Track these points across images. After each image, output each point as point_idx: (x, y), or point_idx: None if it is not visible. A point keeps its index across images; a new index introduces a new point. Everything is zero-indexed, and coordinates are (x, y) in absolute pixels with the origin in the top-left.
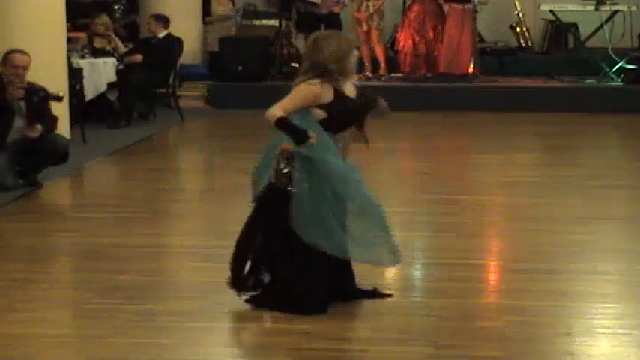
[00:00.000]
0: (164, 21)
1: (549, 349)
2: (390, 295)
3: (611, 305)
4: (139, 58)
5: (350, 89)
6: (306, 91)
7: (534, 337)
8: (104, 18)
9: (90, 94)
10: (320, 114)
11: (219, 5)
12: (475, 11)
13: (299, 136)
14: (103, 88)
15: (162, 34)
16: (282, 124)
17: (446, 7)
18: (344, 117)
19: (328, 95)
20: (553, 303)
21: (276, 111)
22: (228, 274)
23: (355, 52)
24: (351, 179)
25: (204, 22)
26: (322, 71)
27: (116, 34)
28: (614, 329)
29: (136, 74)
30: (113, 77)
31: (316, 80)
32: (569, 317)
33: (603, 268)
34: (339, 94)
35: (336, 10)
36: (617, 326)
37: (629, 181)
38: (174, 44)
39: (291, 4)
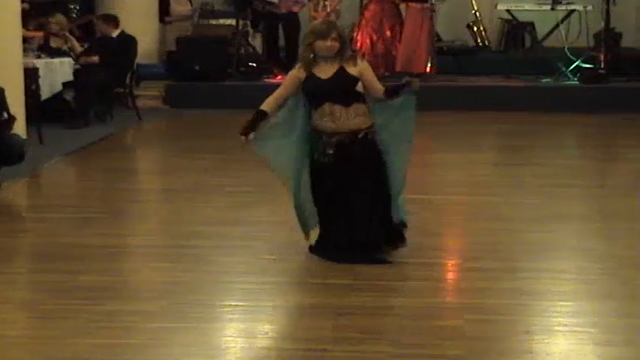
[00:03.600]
0: (113, 20)
1: (509, 347)
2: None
3: (568, 303)
4: (95, 59)
5: (326, 70)
6: (287, 76)
7: (494, 336)
8: (59, 17)
9: (46, 93)
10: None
11: (179, 5)
12: (432, 10)
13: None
14: (59, 87)
15: (115, 33)
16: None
17: (402, 7)
18: (314, 95)
19: (303, 76)
20: (512, 301)
21: (266, 102)
22: None
23: (333, 33)
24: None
25: (164, 22)
26: (301, 50)
27: (71, 34)
28: (571, 327)
29: (93, 74)
30: (69, 77)
31: (298, 65)
32: (528, 316)
33: (561, 266)
34: (309, 75)
35: (295, 9)
36: (575, 324)
37: (586, 180)
38: (129, 42)
39: (247, 4)
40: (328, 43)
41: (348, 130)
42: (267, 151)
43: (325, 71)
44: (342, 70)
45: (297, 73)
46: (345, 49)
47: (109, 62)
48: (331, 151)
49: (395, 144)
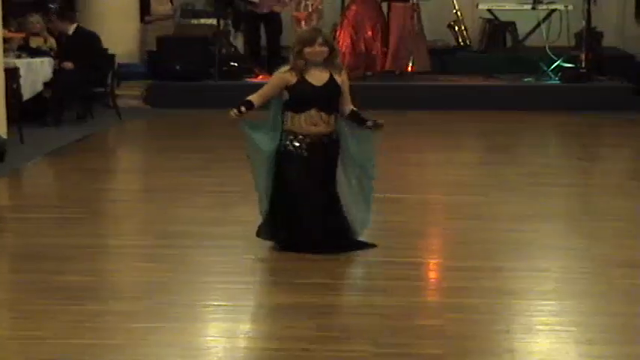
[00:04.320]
0: (68, 16)
1: (489, 347)
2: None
3: (549, 302)
4: (69, 65)
5: (318, 77)
6: (276, 77)
7: (475, 335)
8: (37, 17)
9: (27, 94)
10: (286, 95)
11: (159, 4)
12: (414, 10)
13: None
14: (40, 87)
15: (70, 29)
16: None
17: (384, 6)
18: (303, 99)
19: (292, 79)
20: (493, 300)
21: (253, 96)
22: None
23: (319, 39)
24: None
25: (145, 22)
26: (292, 58)
27: (51, 33)
28: (552, 326)
29: (64, 74)
30: (50, 76)
31: (286, 67)
32: (509, 314)
33: (543, 265)
34: (301, 78)
35: (277, 9)
36: (556, 323)
37: (567, 179)
38: (86, 37)
39: (228, 3)
40: (317, 48)
41: (328, 132)
42: (250, 137)
43: (317, 78)
44: (332, 79)
45: (287, 75)
46: (335, 55)
47: (75, 61)
48: (305, 148)
49: (355, 171)
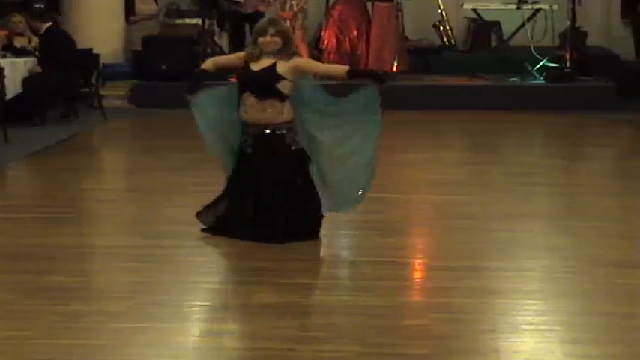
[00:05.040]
0: (39, 15)
1: (475, 346)
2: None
3: (535, 302)
4: (37, 69)
5: (262, 63)
6: (236, 54)
7: (460, 335)
8: (19, 17)
9: (10, 93)
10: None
11: (144, 4)
12: (398, 10)
13: (190, 87)
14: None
15: (43, 28)
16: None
17: (370, 6)
18: (241, 83)
19: (241, 64)
20: (478, 300)
21: (206, 62)
22: None
23: (271, 29)
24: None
25: (129, 21)
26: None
27: (35, 33)
28: (537, 325)
29: (40, 77)
30: (26, 75)
31: (244, 53)
32: (494, 314)
33: (528, 265)
34: (245, 65)
35: (261, 8)
36: (541, 322)
37: (553, 178)
38: (58, 36)
39: (213, 3)
40: (267, 38)
41: (264, 123)
42: (200, 115)
43: (260, 64)
44: (272, 66)
45: (240, 59)
46: (288, 46)
47: (44, 62)
48: (250, 141)
49: (352, 141)
